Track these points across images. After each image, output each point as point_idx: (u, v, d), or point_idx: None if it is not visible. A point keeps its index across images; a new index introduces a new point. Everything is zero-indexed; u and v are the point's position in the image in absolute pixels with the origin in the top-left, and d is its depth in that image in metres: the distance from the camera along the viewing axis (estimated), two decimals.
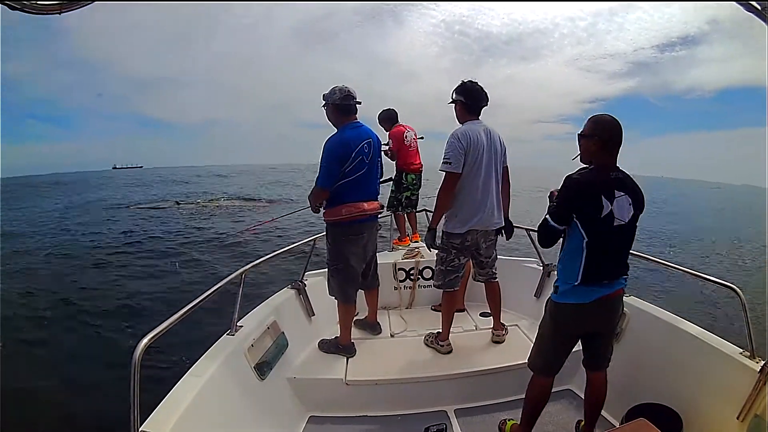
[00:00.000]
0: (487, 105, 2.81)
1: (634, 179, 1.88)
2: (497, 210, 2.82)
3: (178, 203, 22.35)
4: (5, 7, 1.13)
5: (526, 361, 2.18)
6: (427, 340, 3.06)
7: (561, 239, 1.98)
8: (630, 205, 1.83)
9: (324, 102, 2.78)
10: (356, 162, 2.66)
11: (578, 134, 1.93)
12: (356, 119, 2.79)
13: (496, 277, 3.06)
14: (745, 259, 13.04)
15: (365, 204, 2.75)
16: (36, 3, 1.22)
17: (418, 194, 4.86)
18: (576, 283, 1.86)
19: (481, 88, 2.77)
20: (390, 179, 4.68)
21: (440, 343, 2.94)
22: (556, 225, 1.89)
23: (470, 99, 2.76)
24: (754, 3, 1.25)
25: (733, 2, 1.28)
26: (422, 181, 4.84)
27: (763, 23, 1.25)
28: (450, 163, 2.65)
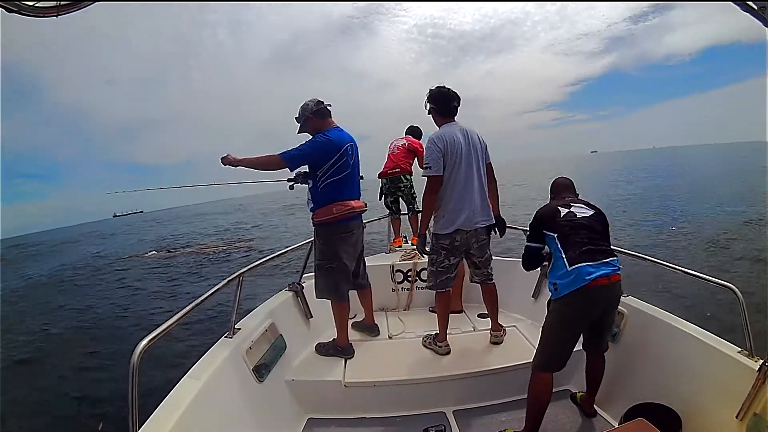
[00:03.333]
0: (459, 104, 2.86)
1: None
2: (483, 208, 2.84)
3: (169, 251, 20.72)
4: (2, 9, 1.13)
5: (531, 362, 2.20)
6: (425, 341, 3.06)
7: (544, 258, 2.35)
8: (586, 207, 2.24)
9: (302, 118, 2.85)
10: (342, 162, 2.75)
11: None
12: (335, 124, 2.88)
13: (492, 279, 3.07)
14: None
15: (353, 202, 2.84)
16: (33, 6, 1.22)
17: (397, 197, 4.99)
18: (566, 269, 2.03)
19: (449, 90, 2.83)
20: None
21: (438, 344, 2.94)
22: (532, 244, 2.31)
23: (439, 103, 2.84)
24: (750, 3, 1.26)
25: (730, 2, 1.28)
26: (401, 184, 4.93)
27: (761, 24, 1.26)
28: (430, 168, 2.73)
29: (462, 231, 2.80)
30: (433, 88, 2.85)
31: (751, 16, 1.26)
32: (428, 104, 2.86)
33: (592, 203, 2.30)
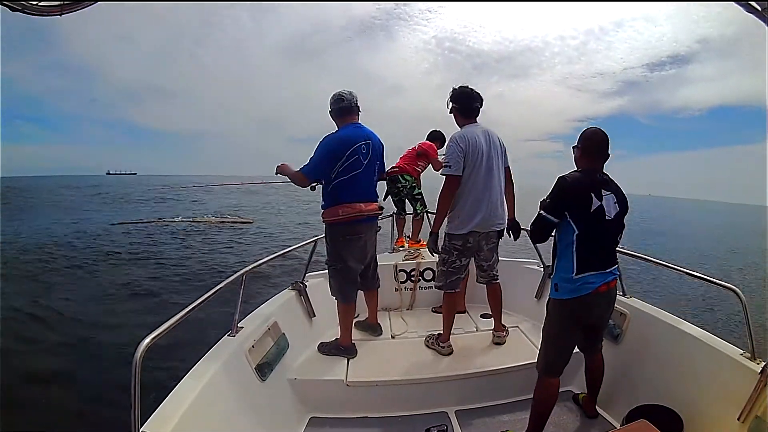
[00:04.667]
0: (481, 105, 2.84)
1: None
2: (500, 211, 2.83)
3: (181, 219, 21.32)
4: (6, 8, 1.14)
5: (535, 362, 2.20)
6: (428, 341, 3.06)
7: (553, 239, 2.13)
8: (615, 203, 2.03)
9: (329, 109, 2.84)
10: (352, 160, 2.67)
11: (572, 147, 2.18)
12: (357, 120, 2.82)
13: (497, 279, 3.06)
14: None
15: (362, 205, 2.75)
16: (37, 4, 1.23)
17: (402, 197, 4.95)
18: (572, 275, 1.98)
19: (472, 90, 2.82)
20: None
21: (441, 344, 2.94)
22: (550, 216, 2.02)
23: (463, 103, 2.82)
24: (753, 3, 1.25)
25: (733, 3, 1.28)
26: (399, 184, 4.87)
27: (763, 24, 1.25)
28: (450, 167, 2.70)
29: (476, 233, 2.79)
30: (456, 87, 2.83)
31: (755, 17, 1.26)
32: (451, 103, 2.85)
33: (616, 184, 2.08)
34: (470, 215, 2.75)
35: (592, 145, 2.07)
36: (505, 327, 3.10)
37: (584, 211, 1.96)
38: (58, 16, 1.29)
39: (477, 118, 2.86)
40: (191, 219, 21.07)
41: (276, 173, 2.84)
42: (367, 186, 2.81)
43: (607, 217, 1.98)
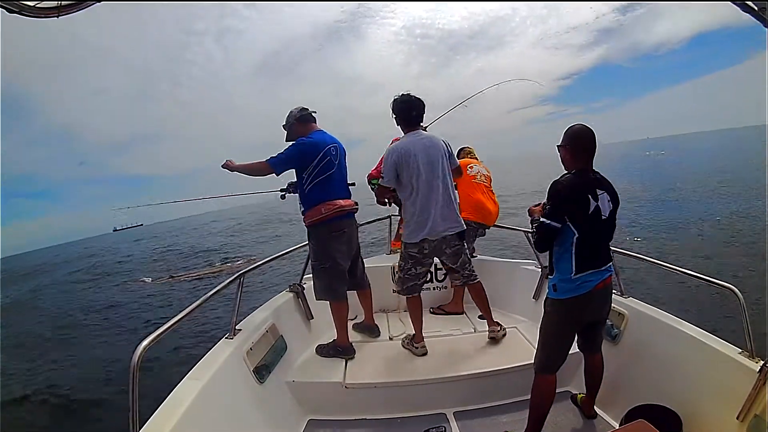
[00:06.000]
0: (423, 111, 2.89)
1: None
2: (449, 215, 2.85)
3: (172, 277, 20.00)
4: (3, 10, 1.13)
5: (533, 362, 2.20)
6: (404, 342, 3.08)
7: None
8: (609, 201, 2.04)
9: (288, 126, 2.94)
10: (325, 161, 2.81)
11: (557, 146, 2.12)
12: (318, 128, 2.96)
13: (475, 278, 3.08)
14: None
15: (341, 201, 2.88)
16: (34, 6, 1.22)
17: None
18: (572, 275, 1.99)
19: (411, 98, 2.85)
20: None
21: (415, 345, 2.96)
22: (553, 223, 1.99)
23: (401, 112, 2.87)
24: (750, 3, 1.26)
25: (730, 2, 1.28)
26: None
27: (760, 24, 1.26)
28: (383, 178, 2.87)
29: (429, 240, 2.84)
30: (397, 96, 2.87)
31: (752, 17, 1.26)
32: (392, 114, 2.90)
33: (608, 181, 2.09)
34: (419, 224, 2.81)
35: (580, 146, 2.07)
36: (499, 323, 3.11)
37: (583, 214, 1.97)
38: (56, 17, 1.28)
39: (418, 126, 2.92)
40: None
41: (223, 168, 2.91)
42: (341, 184, 2.97)
43: (603, 217, 2.00)
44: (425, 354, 2.91)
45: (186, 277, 17.47)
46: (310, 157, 2.77)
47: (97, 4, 1.34)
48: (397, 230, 5.06)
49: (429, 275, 3.92)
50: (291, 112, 2.94)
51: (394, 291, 3.07)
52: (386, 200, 3.29)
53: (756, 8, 1.25)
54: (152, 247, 33.70)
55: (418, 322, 3.00)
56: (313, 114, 2.97)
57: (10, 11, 1.16)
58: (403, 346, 3.06)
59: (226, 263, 18.47)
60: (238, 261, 18.30)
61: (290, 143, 2.86)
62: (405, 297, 3.01)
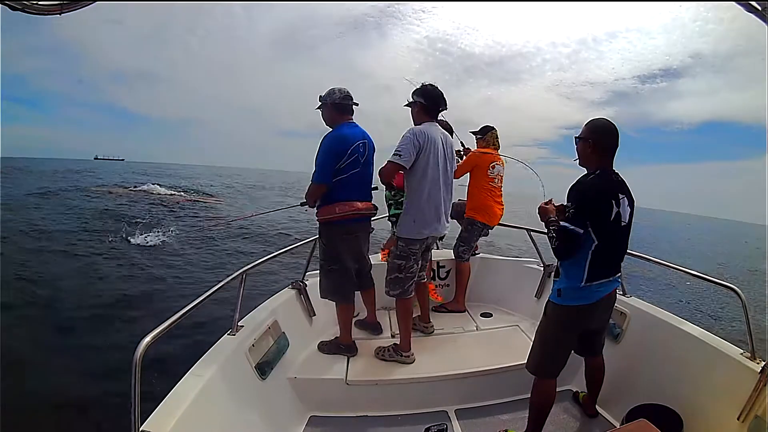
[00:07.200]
0: (446, 109, 2.80)
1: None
2: (446, 215, 2.81)
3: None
4: (6, 7, 1.14)
5: (525, 364, 2.19)
6: (383, 354, 2.84)
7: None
8: (628, 206, 1.93)
9: (321, 102, 2.78)
10: (351, 160, 2.66)
11: (575, 137, 1.99)
12: (352, 120, 2.81)
13: (423, 278, 3.11)
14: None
15: (359, 203, 2.73)
16: (36, 3, 1.23)
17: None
18: (581, 284, 1.90)
19: (441, 92, 2.74)
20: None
21: (403, 354, 2.78)
22: (577, 228, 1.83)
23: (430, 101, 2.71)
24: (754, 3, 1.25)
25: (733, 2, 1.27)
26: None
27: (763, 23, 1.25)
28: (400, 155, 2.57)
29: (432, 237, 2.79)
30: (426, 83, 2.74)
31: (755, 17, 1.25)
32: (415, 97, 2.74)
33: (626, 185, 1.95)
34: (429, 218, 2.68)
35: (608, 141, 1.91)
36: (430, 321, 3.20)
37: (605, 220, 1.84)
38: (59, 15, 1.29)
39: (435, 119, 2.80)
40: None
41: (302, 205, 2.88)
42: (363, 185, 2.80)
43: (622, 223, 1.90)
44: (414, 362, 2.78)
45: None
46: (339, 154, 2.62)
47: (99, 2, 1.35)
48: (390, 238, 5.01)
49: (432, 273, 3.93)
50: (333, 91, 2.73)
51: (391, 294, 2.81)
52: (391, 183, 2.94)
53: (760, 8, 1.24)
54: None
55: (408, 329, 2.82)
56: (354, 105, 2.79)
57: (13, 8, 1.17)
58: (384, 359, 2.81)
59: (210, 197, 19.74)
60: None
61: (318, 147, 2.69)
62: (400, 300, 2.80)
